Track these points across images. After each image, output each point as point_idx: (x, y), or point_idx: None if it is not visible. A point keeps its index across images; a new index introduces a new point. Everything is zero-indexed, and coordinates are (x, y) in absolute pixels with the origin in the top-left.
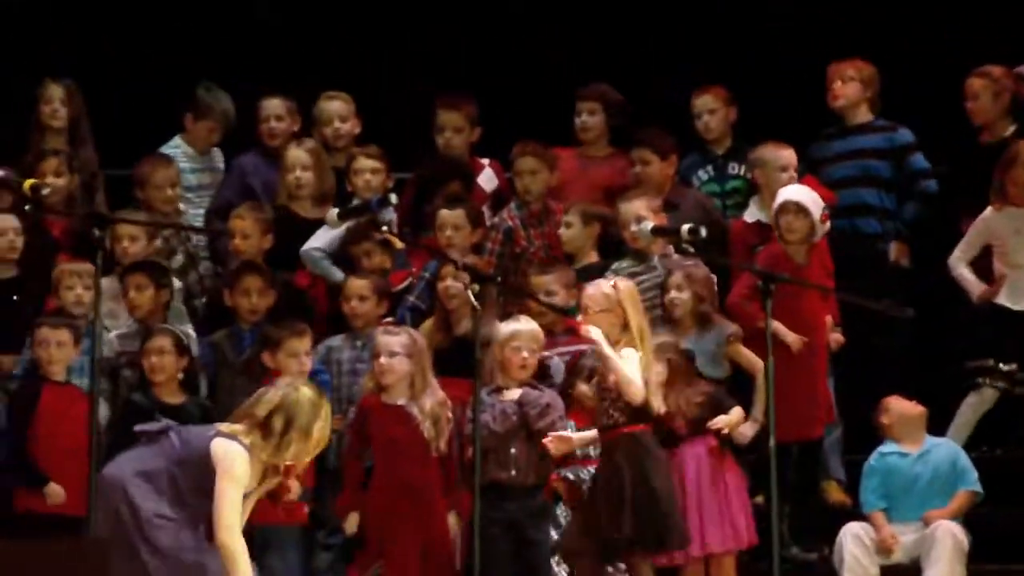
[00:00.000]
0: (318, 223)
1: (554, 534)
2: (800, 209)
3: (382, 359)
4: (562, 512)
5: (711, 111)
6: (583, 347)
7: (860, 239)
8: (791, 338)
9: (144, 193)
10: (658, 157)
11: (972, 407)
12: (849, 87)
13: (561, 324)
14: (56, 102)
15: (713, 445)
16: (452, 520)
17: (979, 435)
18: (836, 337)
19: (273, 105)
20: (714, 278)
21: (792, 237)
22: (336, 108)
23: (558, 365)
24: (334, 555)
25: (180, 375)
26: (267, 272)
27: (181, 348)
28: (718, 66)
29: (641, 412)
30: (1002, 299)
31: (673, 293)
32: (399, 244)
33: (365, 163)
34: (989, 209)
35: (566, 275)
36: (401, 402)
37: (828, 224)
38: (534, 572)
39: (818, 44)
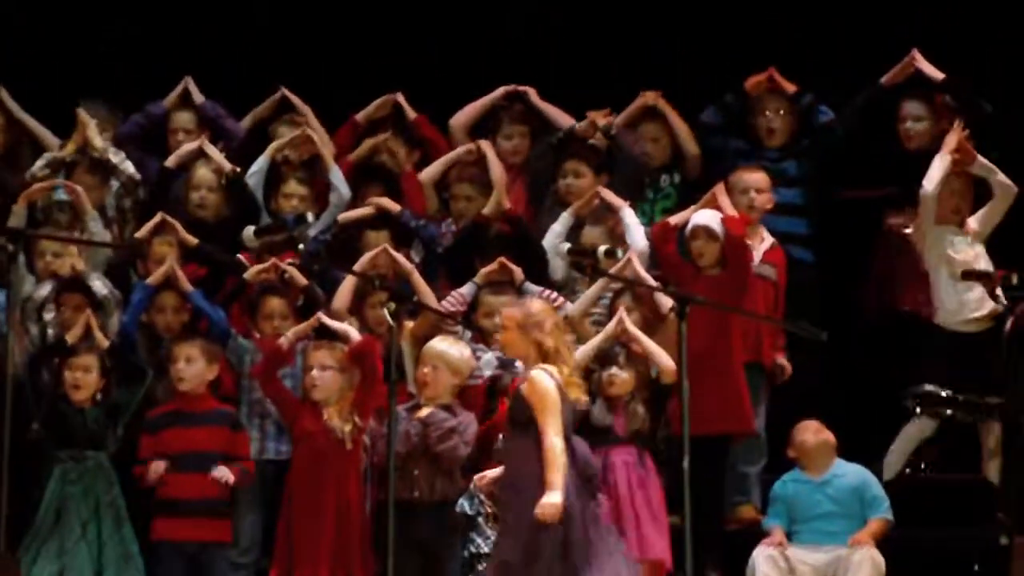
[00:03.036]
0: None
1: (484, 546)
2: (710, 234)
3: (314, 372)
4: (488, 523)
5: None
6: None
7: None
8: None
9: None
10: (592, 172)
11: (909, 436)
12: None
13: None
14: None
15: (642, 452)
16: None
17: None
18: (781, 363)
19: (183, 119)
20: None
21: (703, 262)
22: (284, 132)
23: (489, 360)
24: (246, 573)
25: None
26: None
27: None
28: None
29: None
30: (938, 319)
31: (614, 371)
32: (302, 281)
33: (295, 188)
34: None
35: (516, 296)
36: (326, 412)
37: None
38: None
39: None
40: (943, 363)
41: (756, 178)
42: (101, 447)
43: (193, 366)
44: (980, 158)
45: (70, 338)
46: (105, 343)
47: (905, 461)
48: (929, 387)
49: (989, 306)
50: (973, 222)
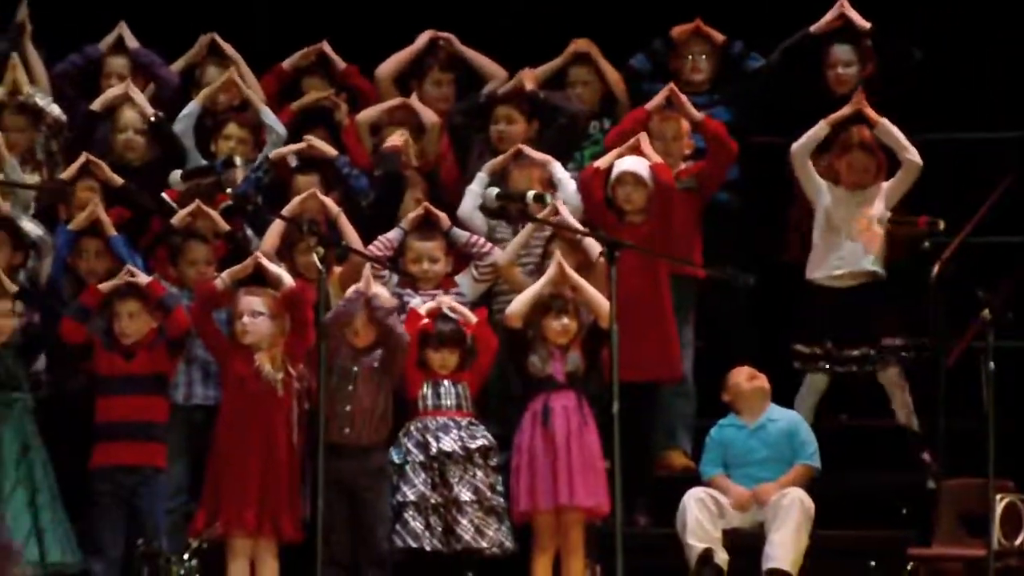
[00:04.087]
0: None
1: (410, 494)
2: (638, 180)
3: (244, 319)
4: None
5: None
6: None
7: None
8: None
9: None
10: (524, 118)
11: (805, 394)
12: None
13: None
14: None
15: (581, 397)
16: None
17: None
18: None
19: (117, 64)
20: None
21: (629, 207)
22: (213, 75)
23: (416, 305)
24: (174, 518)
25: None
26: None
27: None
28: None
29: None
30: (813, 272)
31: (565, 320)
32: (224, 227)
33: (234, 130)
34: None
35: (444, 242)
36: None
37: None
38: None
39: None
40: (817, 317)
41: (674, 126)
42: (19, 388)
43: (135, 321)
44: (886, 125)
45: None
46: (13, 287)
47: (812, 415)
48: (799, 345)
49: (862, 265)
50: (883, 190)
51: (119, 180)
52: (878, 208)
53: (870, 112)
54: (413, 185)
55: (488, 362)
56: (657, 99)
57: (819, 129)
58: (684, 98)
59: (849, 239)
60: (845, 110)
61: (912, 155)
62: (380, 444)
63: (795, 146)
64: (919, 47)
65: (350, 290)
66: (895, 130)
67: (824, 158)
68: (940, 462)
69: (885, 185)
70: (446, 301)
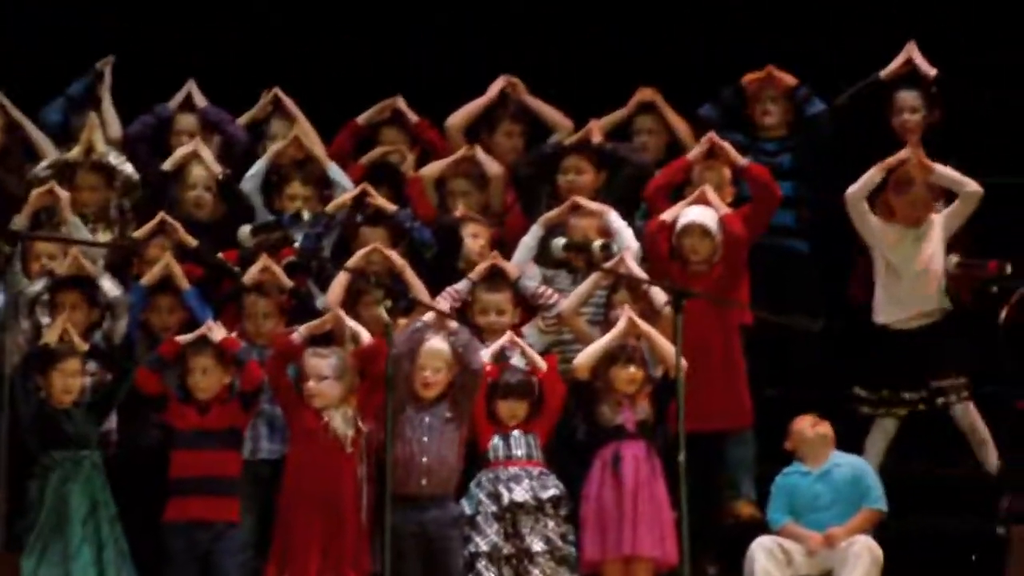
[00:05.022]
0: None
1: (482, 544)
2: (705, 232)
3: (311, 384)
4: (485, 520)
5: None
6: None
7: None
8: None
9: None
10: (593, 169)
11: (874, 438)
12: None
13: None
14: None
15: (650, 446)
16: None
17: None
18: None
19: (186, 122)
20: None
21: (696, 258)
22: (278, 129)
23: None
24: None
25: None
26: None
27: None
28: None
29: None
30: (878, 316)
31: (632, 369)
32: (287, 283)
33: (298, 188)
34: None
35: (512, 294)
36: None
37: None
38: None
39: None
40: (880, 361)
41: (717, 175)
42: (87, 445)
43: (209, 377)
44: (940, 169)
45: (48, 339)
46: (84, 346)
47: (880, 461)
48: (860, 389)
49: (924, 305)
50: (938, 222)
51: (193, 241)
52: (936, 241)
53: (924, 159)
54: (478, 236)
55: (557, 409)
56: (698, 149)
57: (873, 174)
58: (727, 144)
59: (908, 279)
60: (901, 154)
61: (970, 186)
62: (453, 495)
63: (850, 191)
64: (987, 89)
65: (415, 323)
66: (950, 171)
67: (879, 196)
68: (1014, 508)
69: (938, 217)
70: (516, 339)
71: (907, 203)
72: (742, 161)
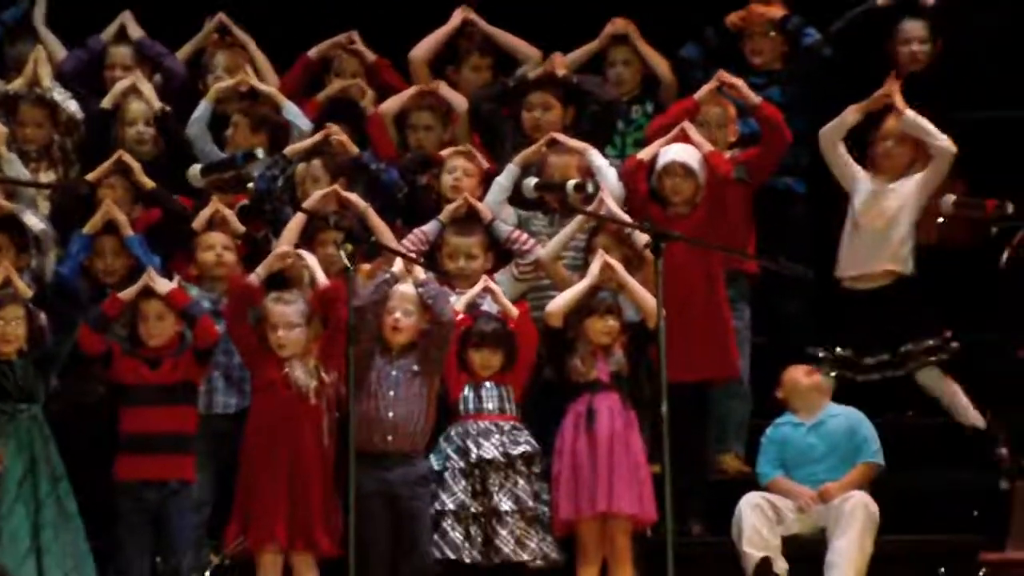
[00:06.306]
0: None
1: (449, 503)
2: (688, 171)
3: (280, 332)
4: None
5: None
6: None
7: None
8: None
9: None
10: (560, 105)
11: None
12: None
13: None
14: None
15: (625, 397)
16: None
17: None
18: None
19: (121, 54)
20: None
21: (677, 199)
22: (221, 61)
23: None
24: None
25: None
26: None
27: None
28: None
29: None
30: (841, 271)
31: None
32: (239, 228)
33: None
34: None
35: (484, 238)
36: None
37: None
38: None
39: None
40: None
41: (720, 112)
42: (33, 400)
43: (163, 323)
44: (911, 116)
45: None
46: (28, 292)
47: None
48: (814, 349)
49: (882, 267)
50: (915, 182)
51: (151, 183)
52: (907, 201)
53: (898, 100)
54: (471, 174)
55: (530, 359)
56: (706, 89)
57: (847, 115)
58: (740, 81)
59: (868, 234)
60: (879, 94)
61: (942, 142)
62: (423, 451)
63: (823, 130)
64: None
65: (381, 274)
66: (923, 120)
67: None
68: (1015, 460)
69: (918, 177)
70: (491, 285)
71: (881, 153)
72: (755, 99)
